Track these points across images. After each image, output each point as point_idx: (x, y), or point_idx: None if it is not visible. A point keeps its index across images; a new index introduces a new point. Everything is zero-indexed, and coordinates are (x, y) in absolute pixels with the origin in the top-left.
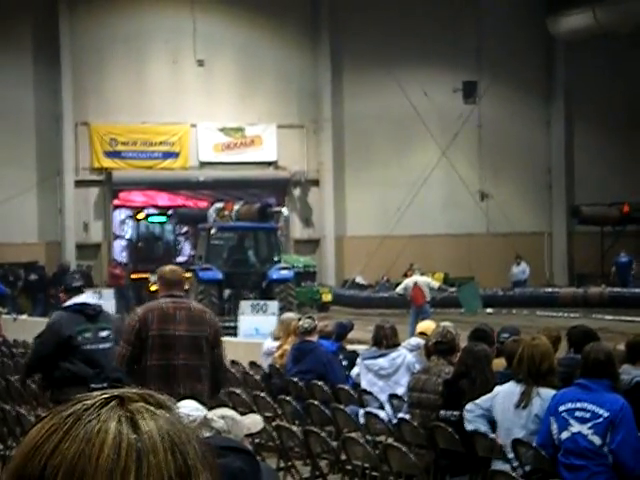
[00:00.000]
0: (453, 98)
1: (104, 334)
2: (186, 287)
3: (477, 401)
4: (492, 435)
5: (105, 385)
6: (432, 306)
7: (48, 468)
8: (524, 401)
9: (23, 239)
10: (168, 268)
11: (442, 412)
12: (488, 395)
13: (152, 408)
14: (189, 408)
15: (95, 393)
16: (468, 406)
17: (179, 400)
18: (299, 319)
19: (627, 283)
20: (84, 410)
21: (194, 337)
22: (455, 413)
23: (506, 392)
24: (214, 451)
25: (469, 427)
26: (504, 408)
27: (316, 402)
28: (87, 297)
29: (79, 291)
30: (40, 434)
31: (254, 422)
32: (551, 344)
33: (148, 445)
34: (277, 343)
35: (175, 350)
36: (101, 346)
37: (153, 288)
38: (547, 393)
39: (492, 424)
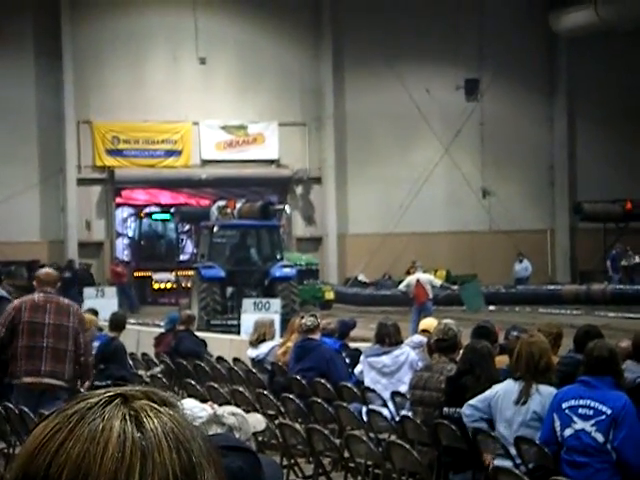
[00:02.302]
0: (455, 95)
1: None
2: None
3: (473, 402)
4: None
5: (109, 383)
6: (434, 304)
7: (53, 467)
8: (523, 397)
9: (25, 237)
10: (44, 271)
11: (445, 409)
12: (485, 395)
13: (156, 406)
14: (197, 408)
15: (99, 391)
16: (467, 410)
17: (44, 375)
18: (302, 317)
19: (611, 278)
20: (88, 409)
21: (60, 325)
22: (458, 410)
23: (504, 390)
24: (218, 449)
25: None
26: (502, 406)
27: (319, 400)
28: None
29: None
30: (45, 432)
31: (258, 421)
32: (552, 340)
33: (153, 443)
34: (258, 351)
35: (43, 335)
36: None
37: (156, 286)
38: (546, 390)
39: (490, 423)
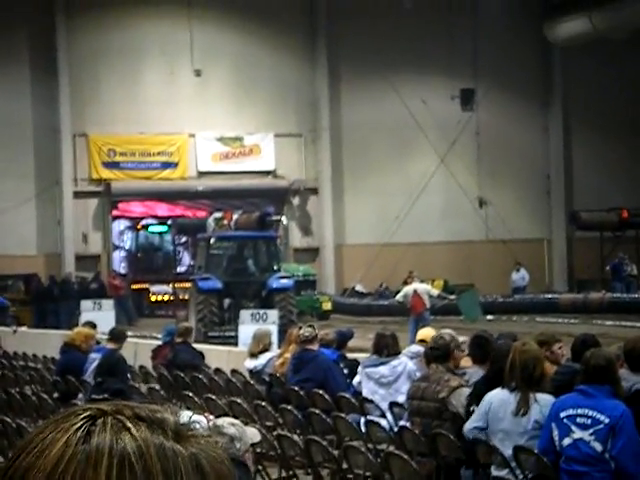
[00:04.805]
0: (451, 105)
1: None
2: None
3: (474, 424)
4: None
5: (106, 396)
6: (432, 313)
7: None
8: (523, 408)
9: (22, 251)
10: None
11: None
12: (480, 411)
13: (127, 422)
14: (226, 422)
15: (83, 406)
16: (469, 434)
17: None
18: (300, 328)
19: (613, 287)
20: (52, 422)
21: None
22: None
23: (499, 401)
24: (223, 465)
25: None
26: (499, 417)
27: (317, 411)
28: None
29: None
30: (16, 447)
31: (253, 433)
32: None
33: (92, 457)
34: (255, 362)
35: None
36: None
37: (154, 298)
38: (544, 398)
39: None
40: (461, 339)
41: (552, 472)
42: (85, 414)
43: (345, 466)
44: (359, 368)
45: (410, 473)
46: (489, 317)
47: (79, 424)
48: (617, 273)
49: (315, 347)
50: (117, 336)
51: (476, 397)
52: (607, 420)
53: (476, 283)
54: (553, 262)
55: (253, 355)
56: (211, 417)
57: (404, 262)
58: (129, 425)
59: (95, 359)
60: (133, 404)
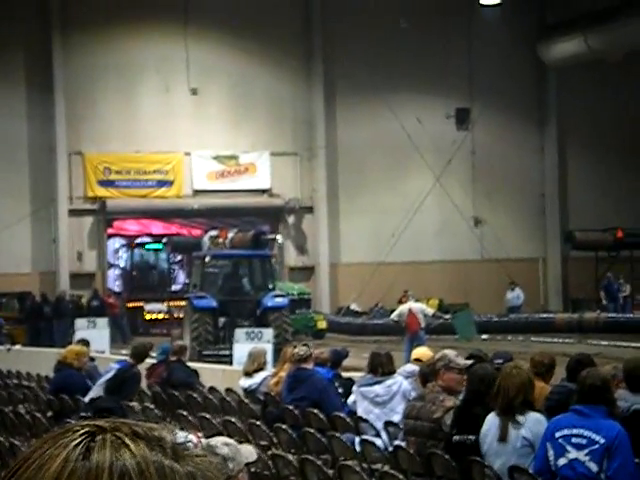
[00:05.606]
0: (446, 125)
1: None
2: None
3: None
4: None
5: (89, 414)
6: (427, 333)
7: None
8: (504, 434)
9: (17, 269)
10: None
11: (456, 437)
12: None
13: (126, 439)
14: (220, 441)
15: (80, 422)
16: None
17: None
18: (294, 346)
19: (606, 307)
20: (50, 438)
21: None
22: (471, 437)
23: (490, 425)
24: None
25: None
26: (489, 438)
27: (312, 430)
28: None
29: None
30: (13, 462)
31: (249, 452)
32: (545, 370)
33: (93, 473)
34: (250, 381)
35: None
36: None
37: (148, 317)
38: (531, 416)
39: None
40: (462, 361)
41: None
42: (83, 430)
43: None
44: (354, 387)
45: None
46: (484, 336)
47: (78, 440)
48: (609, 293)
49: (310, 366)
50: (136, 354)
51: (455, 422)
52: (603, 440)
53: (471, 302)
54: (548, 281)
55: (248, 374)
56: (199, 434)
57: (399, 281)
58: (128, 442)
59: (112, 369)
60: (130, 421)
